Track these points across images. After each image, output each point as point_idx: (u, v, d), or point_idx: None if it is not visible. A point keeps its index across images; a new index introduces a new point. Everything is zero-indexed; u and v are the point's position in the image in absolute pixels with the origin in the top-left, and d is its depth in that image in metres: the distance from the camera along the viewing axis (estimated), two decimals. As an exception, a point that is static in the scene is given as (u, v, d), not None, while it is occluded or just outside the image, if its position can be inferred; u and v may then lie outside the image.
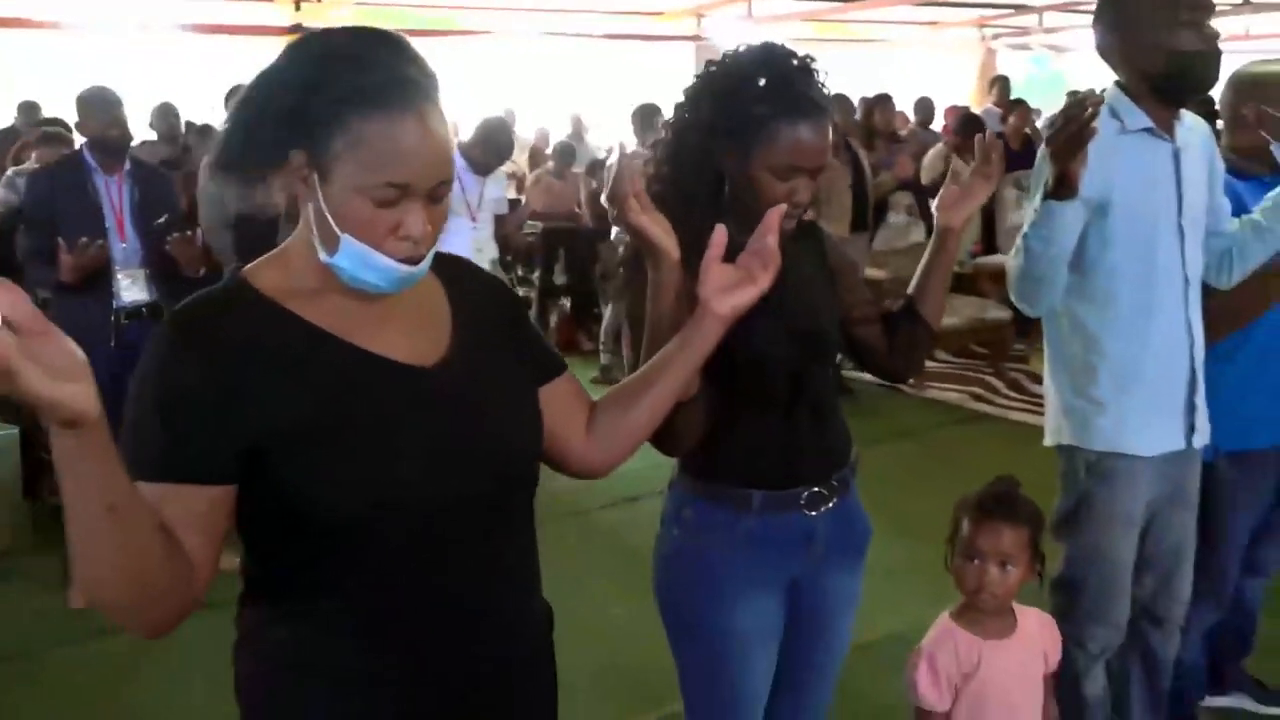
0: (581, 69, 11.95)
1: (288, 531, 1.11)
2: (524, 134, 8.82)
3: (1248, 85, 2.28)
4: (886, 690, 2.31)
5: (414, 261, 1.09)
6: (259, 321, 1.11)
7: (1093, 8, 2.09)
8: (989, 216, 6.54)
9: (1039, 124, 7.75)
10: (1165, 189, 1.99)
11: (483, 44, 11.33)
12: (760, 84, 1.53)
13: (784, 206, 1.36)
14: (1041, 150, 1.94)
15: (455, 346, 1.19)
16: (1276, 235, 2.07)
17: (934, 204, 1.76)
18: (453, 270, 1.25)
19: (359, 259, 1.08)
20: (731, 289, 1.26)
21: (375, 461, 1.10)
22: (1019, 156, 6.19)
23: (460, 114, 9.88)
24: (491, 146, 4.36)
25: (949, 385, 5.81)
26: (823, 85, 1.58)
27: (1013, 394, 5.60)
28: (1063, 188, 1.84)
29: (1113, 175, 1.95)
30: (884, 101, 7.06)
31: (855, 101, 6.82)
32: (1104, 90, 2.09)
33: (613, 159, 1.36)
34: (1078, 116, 1.75)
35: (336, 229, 1.07)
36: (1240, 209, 2.18)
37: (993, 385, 5.77)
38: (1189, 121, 2.08)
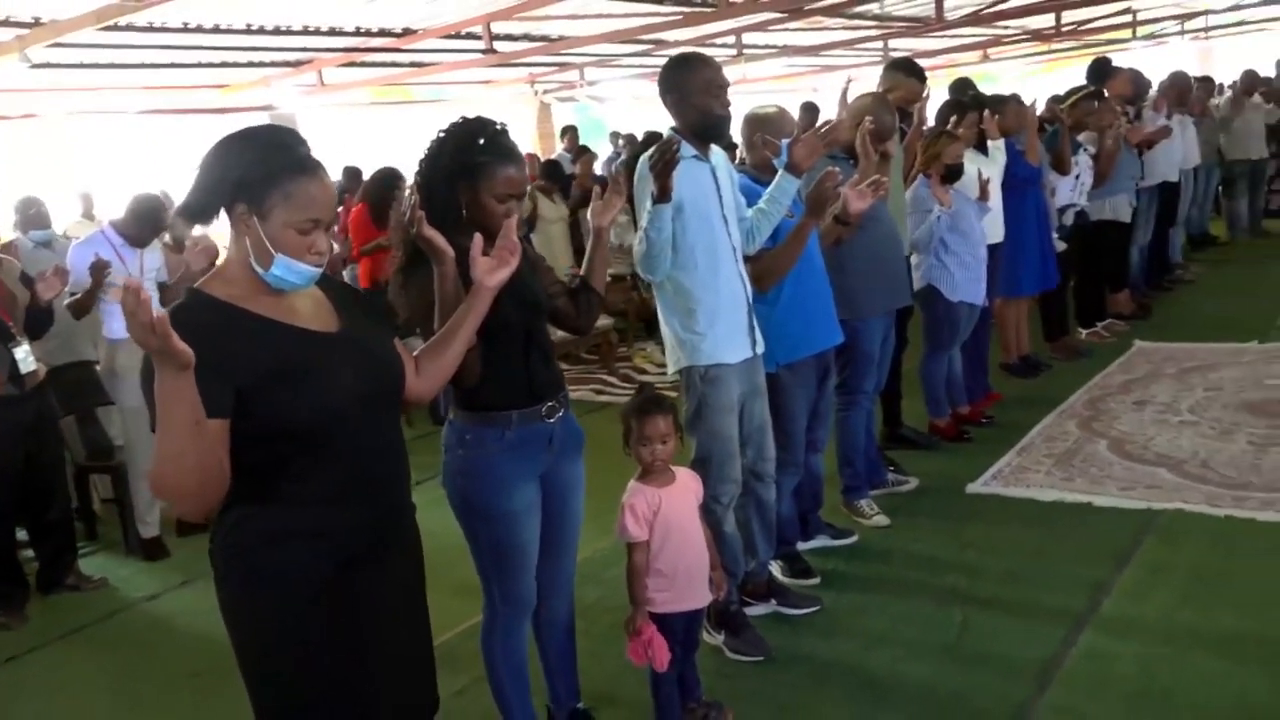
0: (162, 147, 11.69)
1: (260, 441, 1.74)
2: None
3: (756, 121, 3.47)
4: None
5: (320, 266, 1.80)
6: (220, 314, 1.75)
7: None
8: (580, 245, 7.75)
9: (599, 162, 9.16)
10: (711, 193, 3.07)
11: (43, 126, 10.84)
12: (481, 142, 2.36)
13: (514, 218, 2.20)
14: (641, 171, 2.94)
15: (343, 320, 1.90)
16: (772, 216, 3.22)
17: (589, 211, 2.70)
18: (324, 279, 1.93)
19: (289, 268, 1.76)
20: (494, 270, 2.09)
21: (318, 389, 1.78)
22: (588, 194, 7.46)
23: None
24: (144, 220, 4.69)
25: (574, 387, 6.85)
26: (512, 139, 2.45)
27: (625, 384, 6.73)
28: (663, 196, 2.85)
29: (682, 187, 2.97)
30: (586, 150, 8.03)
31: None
32: (669, 130, 3.14)
33: (406, 196, 2.14)
34: (669, 149, 2.76)
35: (273, 251, 1.74)
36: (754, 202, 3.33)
37: (608, 380, 6.91)
38: (717, 151, 3.19)
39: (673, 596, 2.70)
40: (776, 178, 3.20)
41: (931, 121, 5.09)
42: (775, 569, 3.67)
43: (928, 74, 4.79)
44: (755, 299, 3.25)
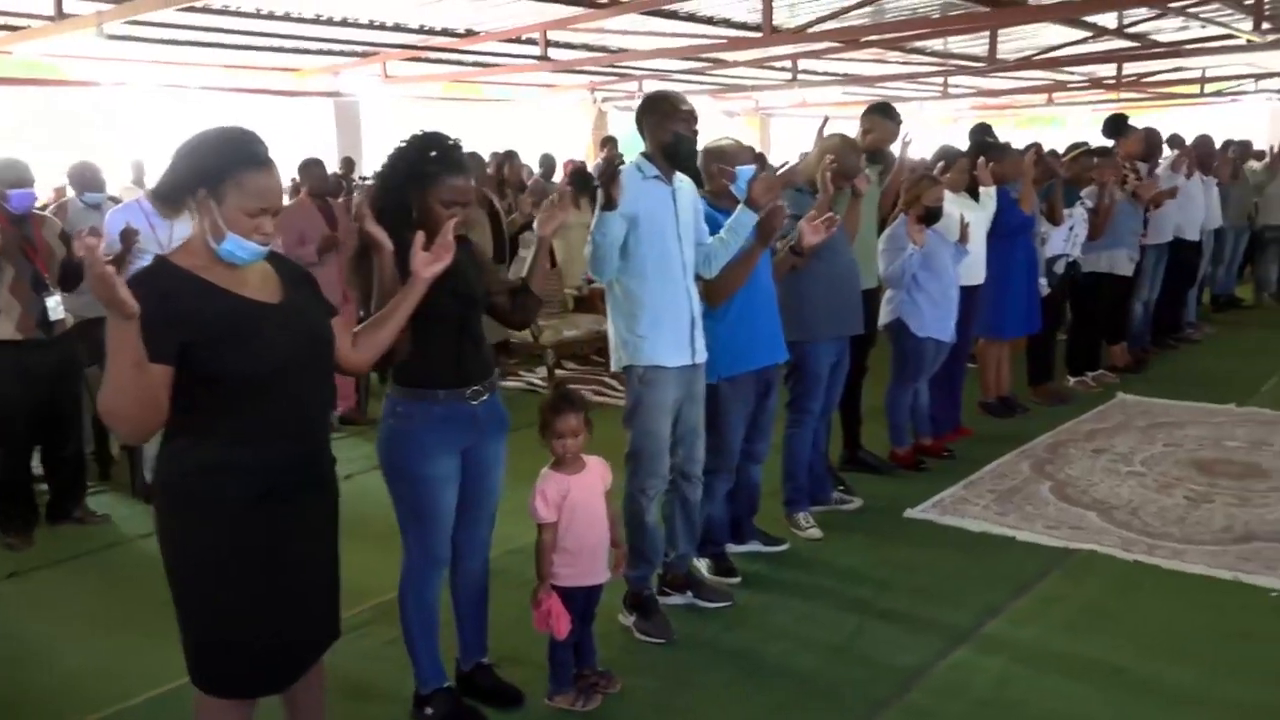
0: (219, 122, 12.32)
1: (202, 385, 2.11)
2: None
3: (714, 153, 3.79)
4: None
5: (266, 245, 2.17)
6: (179, 279, 2.13)
7: (679, 80, 3.50)
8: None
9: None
10: (668, 212, 3.40)
11: (112, 95, 11.51)
12: (433, 154, 2.72)
13: (454, 221, 2.56)
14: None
15: (286, 293, 2.26)
16: (731, 246, 3.54)
17: (535, 222, 3.05)
18: (273, 257, 2.30)
19: (238, 244, 2.13)
20: (429, 264, 2.44)
21: (255, 347, 2.14)
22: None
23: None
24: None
25: (576, 386, 7.20)
26: (464, 153, 2.80)
27: (624, 387, 7.05)
28: (609, 204, 3.19)
29: (640, 202, 3.32)
30: (511, 157, 8.46)
31: (486, 157, 8.15)
32: (641, 154, 3.48)
33: (358, 195, 2.51)
34: (612, 164, 3.10)
35: (225, 230, 2.11)
36: (716, 229, 3.65)
37: (608, 382, 7.24)
38: (682, 178, 3.51)
39: (575, 573, 3.03)
40: (736, 210, 3.52)
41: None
42: (702, 565, 3.98)
43: (995, 111, 5.05)
44: (704, 314, 3.57)
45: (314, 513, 2.35)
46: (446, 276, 2.54)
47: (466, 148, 2.90)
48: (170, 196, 2.15)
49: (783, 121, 19.76)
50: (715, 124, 16.51)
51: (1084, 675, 3.21)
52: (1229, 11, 9.58)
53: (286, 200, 6.87)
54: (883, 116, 4.87)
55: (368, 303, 2.68)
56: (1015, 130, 18.33)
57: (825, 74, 14.29)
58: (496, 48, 11.11)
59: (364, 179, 9.77)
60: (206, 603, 2.21)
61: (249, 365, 2.13)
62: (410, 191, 2.74)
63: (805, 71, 13.76)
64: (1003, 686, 3.14)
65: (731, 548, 4.14)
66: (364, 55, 11.18)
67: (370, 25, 9.74)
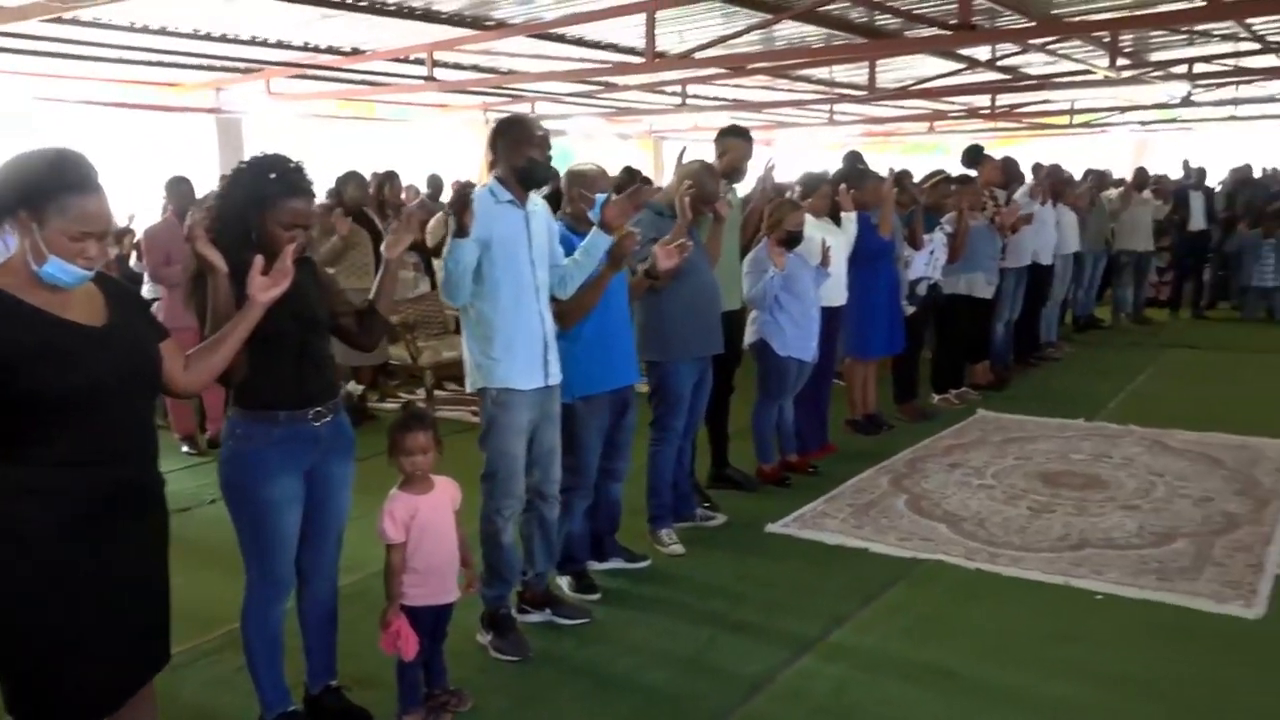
0: (95, 137, 11.95)
1: (18, 410, 2.09)
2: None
3: (574, 177, 3.88)
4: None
5: (90, 270, 2.16)
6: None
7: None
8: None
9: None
10: (521, 236, 3.46)
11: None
12: (273, 176, 2.74)
13: (294, 244, 2.58)
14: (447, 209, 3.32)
15: (111, 316, 2.25)
16: (585, 267, 3.62)
17: (383, 246, 3.07)
18: (102, 279, 2.29)
19: (60, 268, 2.12)
20: (267, 288, 2.46)
21: (73, 371, 2.13)
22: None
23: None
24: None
25: (455, 407, 7.18)
26: (306, 176, 2.81)
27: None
28: (461, 232, 3.23)
29: (493, 226, 3.37)
30: (391, 177, 8.42)
31: (368, 176, 8.11)
32: (494, 178, 3.53)
33: (192, 215, 2.52)
34: (464, 192, 3.16)
35: (46, 252, 2.10)
36: (572, 251, 3.72)
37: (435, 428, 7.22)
38: (536, 201, 3.58)
39: (425, 592, 3.06)
40: (590, 234, 3.60)
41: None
42: (563, 583, 4.03)
43: (875, 139, 5.22)
44: (560, 335, 3.64)
45: (138, 536, 2.33)
46: (287, 298, 2.57)
47: (353, 167, 2.94)
48: None
49: (675, 144, 20.04)
50: (609, 147, 16.69)
51: (918, 680, 3.36)
52: (1088, 48, 10.14)
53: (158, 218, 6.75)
54: (735, 137, 5.01)
55: (204, 324, 2.67)
56: (900, 157, 18.94)
57: (715, 99, 14.58)
58: (385, 67, 11.05)
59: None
60: (20, 630, 2.18)
61: (67, 389, 2.12)
62: (249, 214, 2.74)
63: (694, 96, 14.01)
64: (841, 693, 3.27)
65: (594, 565, 4.21)
66: (246, 71, 11.00)
67: (252, 41, 9.58)
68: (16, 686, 2.20)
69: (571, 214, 3.90)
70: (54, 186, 2.10)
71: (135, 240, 7.71)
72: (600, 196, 3.72)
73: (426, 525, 3.04)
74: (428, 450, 3.03)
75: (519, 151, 3.46)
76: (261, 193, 2.74)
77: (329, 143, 14.59)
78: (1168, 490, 5.16)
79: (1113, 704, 3.19)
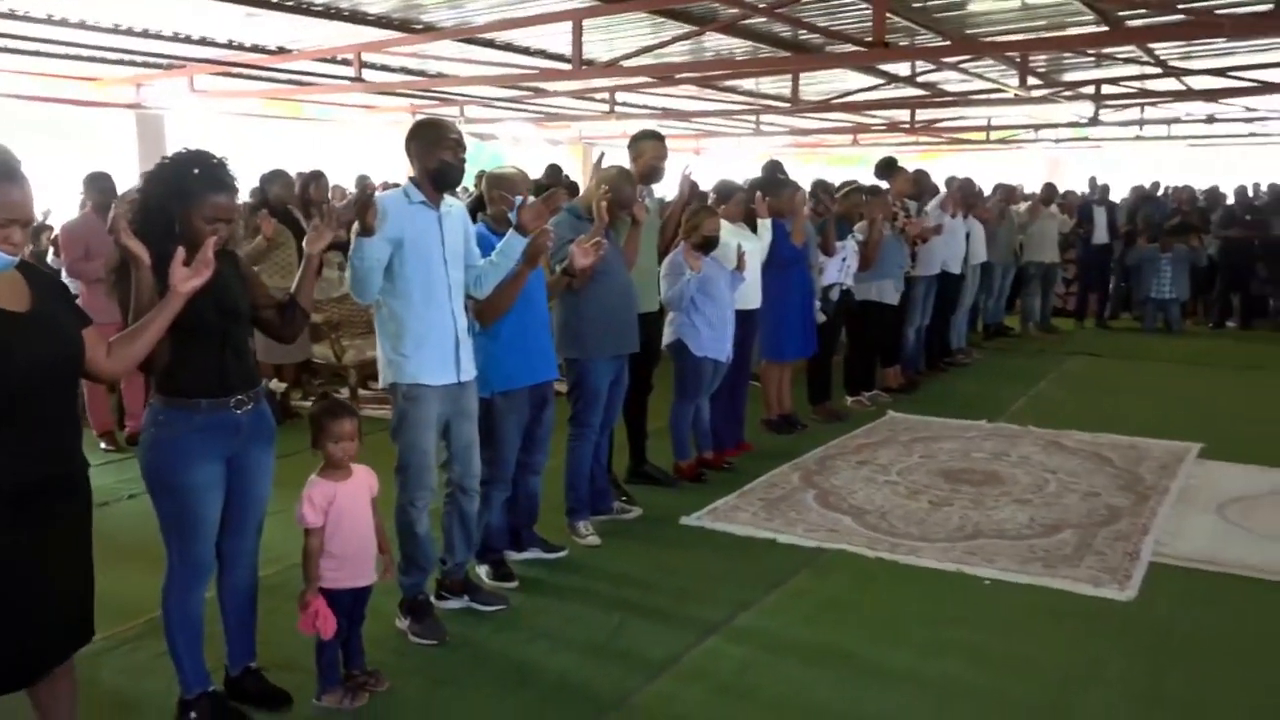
0: (11, 129, 11.70)
1: None
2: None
3: (494, 179, 4.02)
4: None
5: (14, 257, 2.24)
6: None
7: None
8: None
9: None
10: (434, 236, 3.57)
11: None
12: (196, 171, 2.82)
13: (216, 238, 2.67)
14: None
15: (35, 303, 2.33)
16: (502, 267, 3.75)
17: (304, 240, 3.17)
18: (25, 267, 2.37)
19: None
20: (188, 279, 2.55)
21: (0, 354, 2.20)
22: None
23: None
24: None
25: (377, 406, 7.21)
26: (232, 172, 2.91)
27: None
28: (364, 230, 3.34)
29: (405, 226, 3.49)
30: (318, 177, 8.41)
31: (294, 176, 8.11)
32: (409, 179, 3.65)
33: (116, 208, 2.60)
34: (365, 191, 3.28)
35: None
36: (491, 252, 3.85)
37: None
38: (451, 202, 3.70)
39: (342, 575, 3.16)
40: (506, 235, 3.74)
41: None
42: (481, 571, 4.15)
43: (803, 150, 5.39)
44: (478, 332, 3.76)
45: (62, 517, 2.41)
46: (209, 289, 2.66)
47: (279, 166, 3.01)
48: None
49: (605, 151, 20.23)
50: (539, 152, 16.78)
51: (817, 661, 3.56)
52: (1001, 67, 10.57)
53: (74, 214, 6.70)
54: (649, 140, 5.14)
55: (127, 314, 2.74)
56: (826, 167, 19.41)
57: (643, 107, 14.78)
58: (313, 66, 11.03)
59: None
60: None
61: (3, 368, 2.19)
62: (172, 207, 2.82)
63: (623, 104, 14.19)
64: (743, 672, 3.45)
65: (511, 555, 4.33)
66: (168, 68, 10.88)
67: (175, 38, 9.51)
68: None
69: (492, 215, 4.03)
70: None
71: (52, 236, 7.61)
72: (519, 199, 3.86)
73: (344, 510, 3.14)
74: (353, 438, 3.14)
75: (432, 154, 3.58)
76: (185, 187, 2.82)
77: (254, 141, 14.51)
78: (1059, 486, 5.46)
79: (995, 681, 3.42)
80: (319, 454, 3.17)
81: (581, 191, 5.40)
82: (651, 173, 5.08)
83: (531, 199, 3.85)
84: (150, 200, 2.84)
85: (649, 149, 5.08)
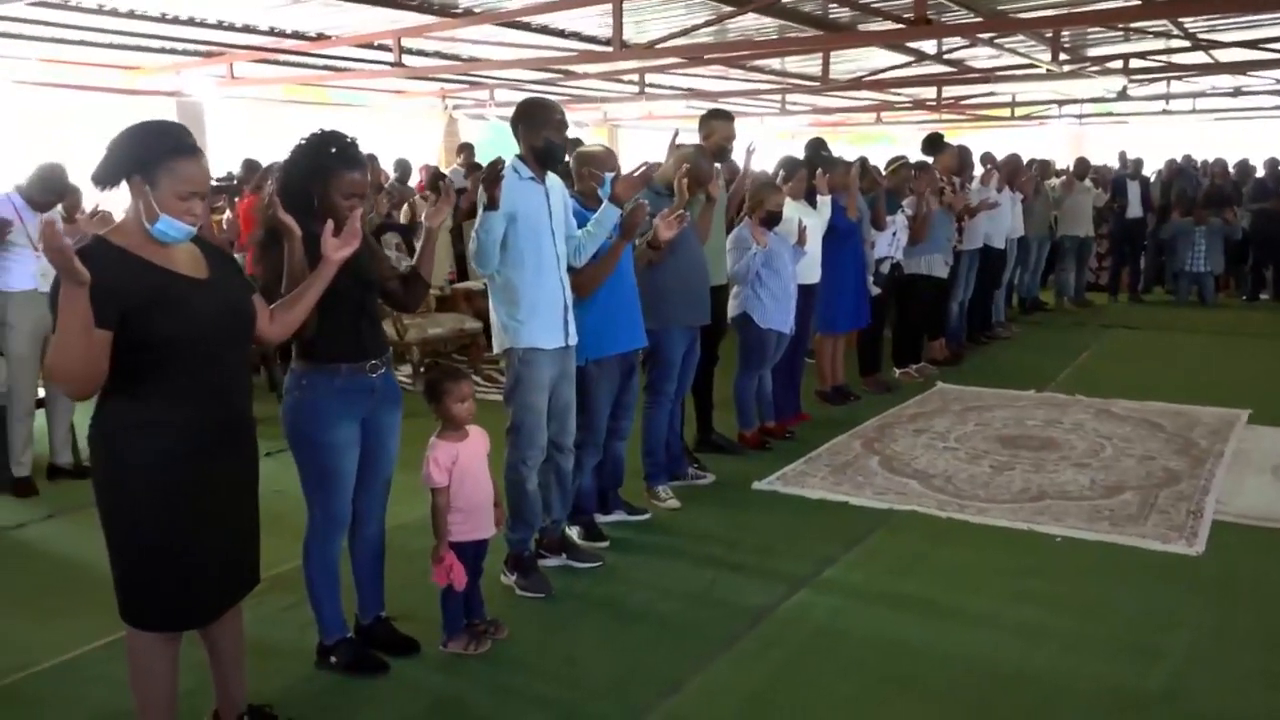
0: (55, 120, 11.90)
1: (137, 349, 2.36)
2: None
3: (583, 157, 4.20)
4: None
5: (195, 226, 2.43)
6: (116, 255, 2.37)
7: (532, 90, 3.85)
8: (460, 251, 8.36)
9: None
10: (543, 210, 3.77)
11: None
12: (333, 150, 3.01)
13: (359, 211, 2.86)
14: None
15: (212, 271, 2.53)
16: (597, 237, 3.94)
17: (423, 215, 3.36)
18: (199, 241, 2.56)
19: (170, 225, 2.39)
20: (339, 249, 2.74)
21: (183, 316, 2.40)
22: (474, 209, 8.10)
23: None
24: (49, 186, 5.17)
25: (438, 380, 7.44)
26: (360, 150, 3.09)
27: (488, 384, 7.34)
28: (492, 204, 3.53)
29: (517, 201, 3.67)
30: (372, 160, 8.64)
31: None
32: (515, 156, 3.82)
33: (270, 185, 2.79)
34: (496, 169, 3.45)
35: (159, 211, 2.37)
36: (584, 224, 4.03)
37: (474, 379, 7.47)
38: (553, 178, 3.89)
39: (467, 528, 3.37)
40: (601, 207, 3.92)
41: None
42: (573, 533, 4.35)
43: (824, 129, 5.55)
44: (575, 303, 3.96)
45: (234, 467, 2.61)
46: (348, 261, 2.84)
47: None
48: (106, 180, 2.39)
49: (630, 132, 20.37)
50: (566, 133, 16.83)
51: (902, 607, 3.75)
52: (1031, 43, 10.66)
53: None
54: (718, 119, 5.32)
55: (275, 285, 2.92)
56: (848, 145, 19.51)
57: (671, 88, 14.90)
58: (347, 52, 11.18)
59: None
60: (134, 543, 2.46)
61: (178, 332, 2.39)
62: (313, 184, 3.01)
63: (652, 85, 14.31)
64: (836, 617, 3.65)
65: (598, 518, 4.53)
66: (208, 55, 11.05)
67: (219, 25, 9.67)
68: (130, 593, 2.50)
69: (581, 191, 4.21)
70: (163, 152, 2.37)
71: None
72: (608, 175, 4.03)
73: (466, 469, 3.34)
74: (471, 398, 3.33)
75: (538, 133, 3.76)
76: (323, 165, 3.01)
77: (287, 127, 14.68)
78: (1115, 450, 5.63)
79: (1078, 624, 3.60)
80: (438, 417, 3.37)
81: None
82: (721, 152, 5.24)
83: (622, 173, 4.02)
84: (292, 179, 3.03)
85: (719, 128, 5.24)
